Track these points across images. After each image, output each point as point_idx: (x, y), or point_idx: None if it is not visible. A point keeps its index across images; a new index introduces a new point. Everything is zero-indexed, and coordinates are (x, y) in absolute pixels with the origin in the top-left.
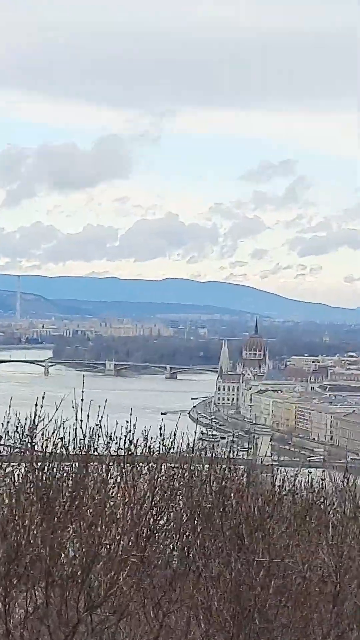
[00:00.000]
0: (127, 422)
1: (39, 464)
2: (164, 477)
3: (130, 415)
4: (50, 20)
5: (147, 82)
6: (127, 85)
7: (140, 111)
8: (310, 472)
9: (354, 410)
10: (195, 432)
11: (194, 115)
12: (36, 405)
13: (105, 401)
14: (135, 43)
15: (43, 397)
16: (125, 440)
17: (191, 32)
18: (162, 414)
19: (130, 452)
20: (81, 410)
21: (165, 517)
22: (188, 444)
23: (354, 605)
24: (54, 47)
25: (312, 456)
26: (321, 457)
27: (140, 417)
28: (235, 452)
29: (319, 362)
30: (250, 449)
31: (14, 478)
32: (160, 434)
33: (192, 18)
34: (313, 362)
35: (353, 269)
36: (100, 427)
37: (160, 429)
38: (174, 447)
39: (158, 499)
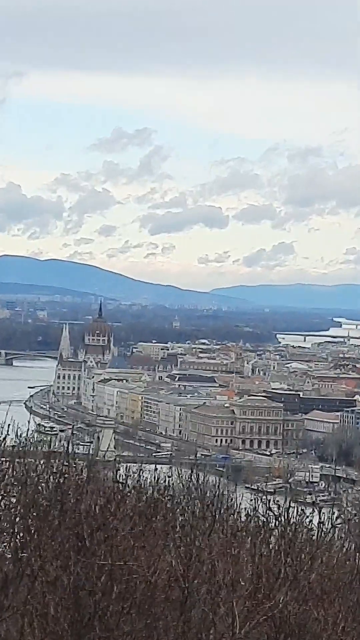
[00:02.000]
0: None
1: None
2: None
3: None
4: None
5: None
6: None
7: None
8: (157, 469)
9: (204, 402)
10: (30, 424)
11: (44, 78)
12: None
13: None
14: None
15: None
16: None
17: None
18: None
19: None
20: None
21: None
22: (21, 437)
23: (202, 612)
24: None
25: (159, 451)
26: (169, 452)
27: None
28: (75, 446)
29: (168, 349)
30: (92, 442)
31: None
32: None
33: None
34: (162, 349)
35: (208, 249)
36: None
37: None
38: (5, 441)
39: None
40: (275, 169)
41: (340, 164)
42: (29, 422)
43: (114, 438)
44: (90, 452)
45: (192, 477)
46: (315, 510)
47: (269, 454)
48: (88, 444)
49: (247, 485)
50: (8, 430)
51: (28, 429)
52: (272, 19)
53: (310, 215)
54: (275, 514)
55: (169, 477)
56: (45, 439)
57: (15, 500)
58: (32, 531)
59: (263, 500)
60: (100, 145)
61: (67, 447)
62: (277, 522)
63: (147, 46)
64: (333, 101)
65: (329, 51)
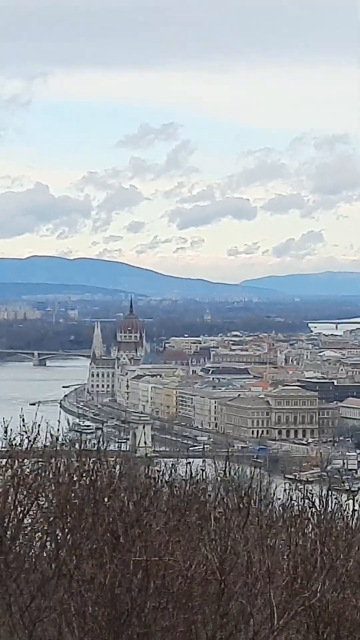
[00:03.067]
0: None
1: None
2: (27, 472)
3: None
4: None
5: (14, 41)
6: None
7: (8, 74)
8: (190, 463)
9: (239, 395)
10: (62, 423)
11: (68, 77)
12: None
13: None
14: None
15: None
16: None
17: None
18: (31, 404)
19: None
20: None
21: (30, 516)
22: (55, 436)
23: (240, 605)
24: None
25: (195, 445)
26: (206, 446)
27: (6, 409)
28: (109, 444)
29: (200, 343)
30: (128, 439)
31: None
32: (24, 426)
33: None
34: (194, 343)
35: (237, 241)
36: None
37: (23, 420)
38: (38, 440)
39: (22, 496)
40: (302, 158)
41: None
42: (59, 421)
43: (151, 434)
44: (127, 448)
45: (226, 469)
46: (352, 497)
47: (305, 443)
48: (124, 440)
49: (285, 476)
50: (39, 431)
51: (59, 429)
52: (292, 6)
53: (339, 202)
54: (312, 502)
55: (202, 470)
56: (80, 437)
57: (49, 500)
58: (67, 530)
59: (300, 489)
60: (127, 142)
61: (99, 444)
62: (312, 511)
63: (168, 40)
64: (358, 87)
65: (352, 36)
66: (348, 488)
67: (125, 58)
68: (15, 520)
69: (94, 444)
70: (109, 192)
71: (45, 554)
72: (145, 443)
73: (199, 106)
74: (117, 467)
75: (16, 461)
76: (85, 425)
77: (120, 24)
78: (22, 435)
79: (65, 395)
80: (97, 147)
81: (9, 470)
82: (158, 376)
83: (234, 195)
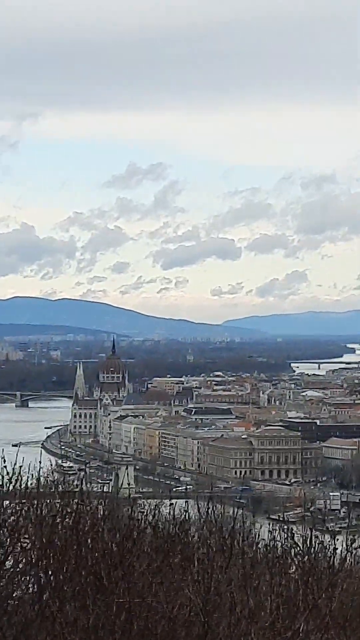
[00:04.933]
0: None
1: None
2: (9, 514)
3: None
4: None
5: (5, 80)
6: None
7: None
8: (172, 504)
9: (222, 435)
10: (42, 464)
11: (58, 118)
12: None
13: None
14: None
15: None
16: None
17: (50, 27)
18: (13, 445)
19: None
20: None
21: (12, 558)
22: (37, 478)
23: None
24: None
25: (179, 486)
26: (188, 486)
27: None
28: (94, 484)
29: (183, 383)
30: (111, 480)
31: None
32: (4, 467)
33: (49, 13)
34: (176, 383)
35: (221, 281)
36: None
37: (4, 461)
38: (20, 482)
39: (4, 537)
40: (289, 198)
41: (354, 190)
42: (39, 462)
43: (133, 474)
44: (110, 489)
45: (209, 510)
46: (334, 537)
47: (288, 483)
48: (107, 481)
49: (268, 516)
50: (21, 473)
51: (39, 470)
52: (276, 45)
53: (323, 242)
54: (294, 543)
55: (185, 511)
56: (62, 478)
57: (31, 541)
58: (50, 572)
59: (283, 529)
60: (114, 182)
61: (81, 485)
62: (295, 551)
63: (157, 81)
64: (346, 126)
65: (339, 75)
66: (331, 528)
67: (115, 99)
68: None
69: (76, 485)
70: (94, 232)
71: (27, 596)
72: (128, 484)
73: (186, 145)
74: (100, 508)
75: None
76: (67, 466)
77: (110, 64)
78: (4, 476)
79: (48, 436)
80: (84, 187)
81: None
82: (141, 417)
83: (219, 235)
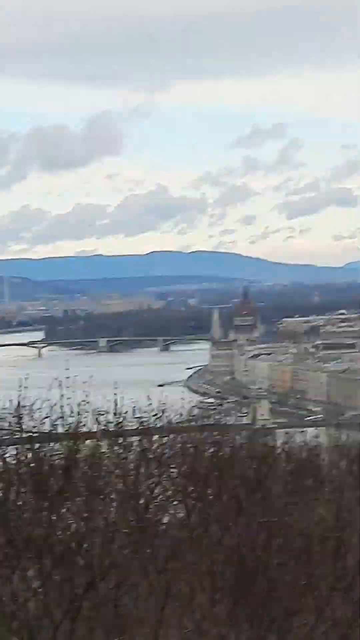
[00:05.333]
0: (115, 396)
1: (28, 445)
2: (155, 447)
3: (117, 389)
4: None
5: (137, 57)
6: (121, 62)
7: (132, 86)
8: (304, 431)
9: (348, 367)
10: (187, 402)
11: (187, 87)
12: (20, 387)
13: (90, 377)
14: (118, 21)
15: (26, 379)
16: (114, 414)
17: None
18: (158, 385)
19: (120, 425)
20: (68, 388)
21: (161, 486)
22: (181, 414)
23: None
24: (32, 28)
25: (311, 416)
26: (319, 416)
27: (137, 391)
28: (232, 418)
29: (310, 322)
30: (249, 413)
31: (5, 461)
32: (150, 405)
33: None
34: (304, 323)
35: (341, 227)
36: (87, 403)
37: (149, 400)
38: (164, 417)
39: (153, 468)
40: None
41: None
42: (182, 399)
43: (268, 407)
44: (248, 422)
45: (338, 435)
46: None
47: None
48: (245, 414)
49: None
50: (166, 409)
51: (182, 406)
52: None
53: None
54: None
55: (315, 437)
56: (205, 413)
57: (178, 472)
58: (195, 498)
59: None
60: (240, 142)
61: (221, 418)
62: None
63: (265, 51)
64: None
65: None
66: None
67: (238, 68)
68: (148, 490)
69: (217, 419)
70: (223, 189)
71: (176, 520)
72: (264, 416)
73: (305, 106)
74: (238, 438)
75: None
76: (208, 403)
77: (231, 36)
78: (152, 413)
79: (189, 377)
80: (212, 148)
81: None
82: (273, 354)
83: (337, 185)
